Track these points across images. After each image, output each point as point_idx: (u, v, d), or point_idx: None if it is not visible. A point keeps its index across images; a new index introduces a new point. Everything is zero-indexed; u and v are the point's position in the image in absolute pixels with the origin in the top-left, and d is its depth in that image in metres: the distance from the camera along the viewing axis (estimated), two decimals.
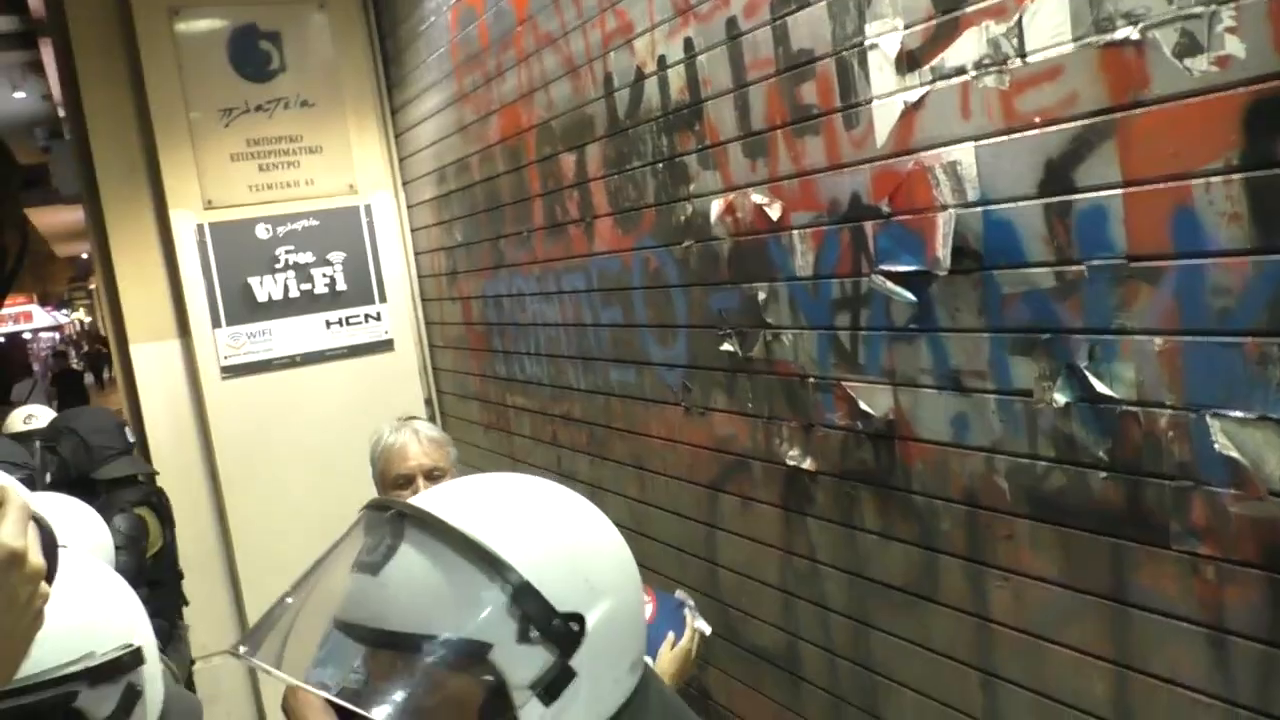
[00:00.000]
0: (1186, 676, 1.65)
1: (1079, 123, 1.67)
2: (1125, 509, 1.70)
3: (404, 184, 5.15)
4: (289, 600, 0.96)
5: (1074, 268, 1.72)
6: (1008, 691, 2.00)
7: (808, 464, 2.46)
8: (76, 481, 3.48)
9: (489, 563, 0.88)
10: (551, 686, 0.88)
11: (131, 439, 3.90)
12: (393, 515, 0.92)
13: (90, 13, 4.66)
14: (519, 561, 0.89)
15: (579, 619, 0.90)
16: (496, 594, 0.88)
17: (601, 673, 0.92)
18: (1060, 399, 1.77)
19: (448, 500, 0.95)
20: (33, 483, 3.39)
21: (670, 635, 1.97)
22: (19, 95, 12.36)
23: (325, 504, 3.97)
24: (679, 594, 2.07)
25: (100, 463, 3.60)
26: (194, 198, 4.71)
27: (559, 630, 0.89)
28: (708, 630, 2.03)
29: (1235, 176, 1.45)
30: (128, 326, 4.78)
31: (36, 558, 0.83)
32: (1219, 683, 1.60)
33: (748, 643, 2.84)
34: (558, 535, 0.94)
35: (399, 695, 0.87)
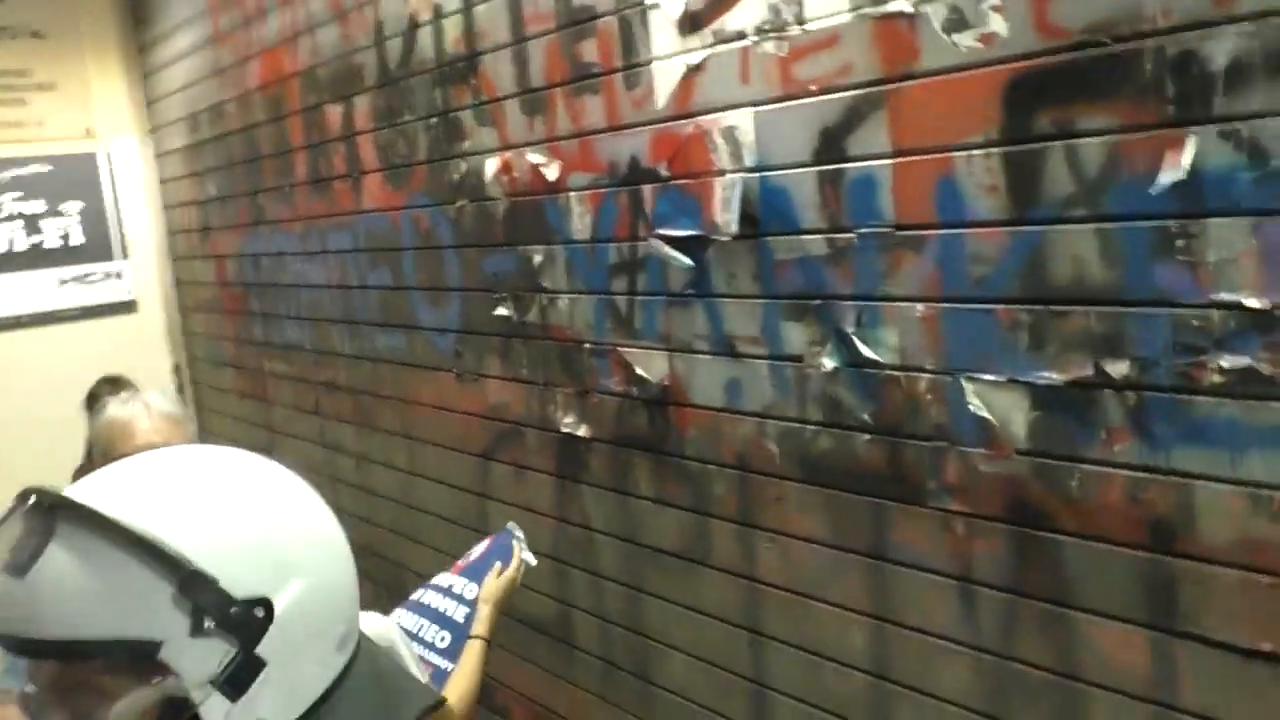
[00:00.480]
0: (937, 626, 1.74)
1: (853, 92, 1.70)
2: (886, 470, 1.77)
3: (152, 130, 4.74)
4: None
5: (845, 235, 1.76)
6: (774, 649, 2.05)
7: (582, 431, 2.43)
8: None
9: (149, 552, 0.78)
10: (235, 679, 0.80)
11: None
12: (38, 507, 0.81)
13: None
14: (186, 547, 0.79)
15: (265, 603, 0.81)
16: (161, 586, 0.78)
17: (298, 657, 0.84)
18: (829, 364, 1.82)
19: (108, 485, 0.84)
20: None
21: (497, 565, 1.96)
22: None
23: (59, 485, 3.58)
24: (510, 525, 2.08)
25: None
26: None
27: (239, 618, 0.80)
28: (533, 561, 2.04)
29: (995, 150, 1.52)
30: None
31: None
32: (967, 630, 1.69)
33: (520, 613, 2.79)
34: (236, 514, 0.84)
35: (66, 711, 0.78)
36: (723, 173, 1.95)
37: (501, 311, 2.62)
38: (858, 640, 1.88)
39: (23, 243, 4.43)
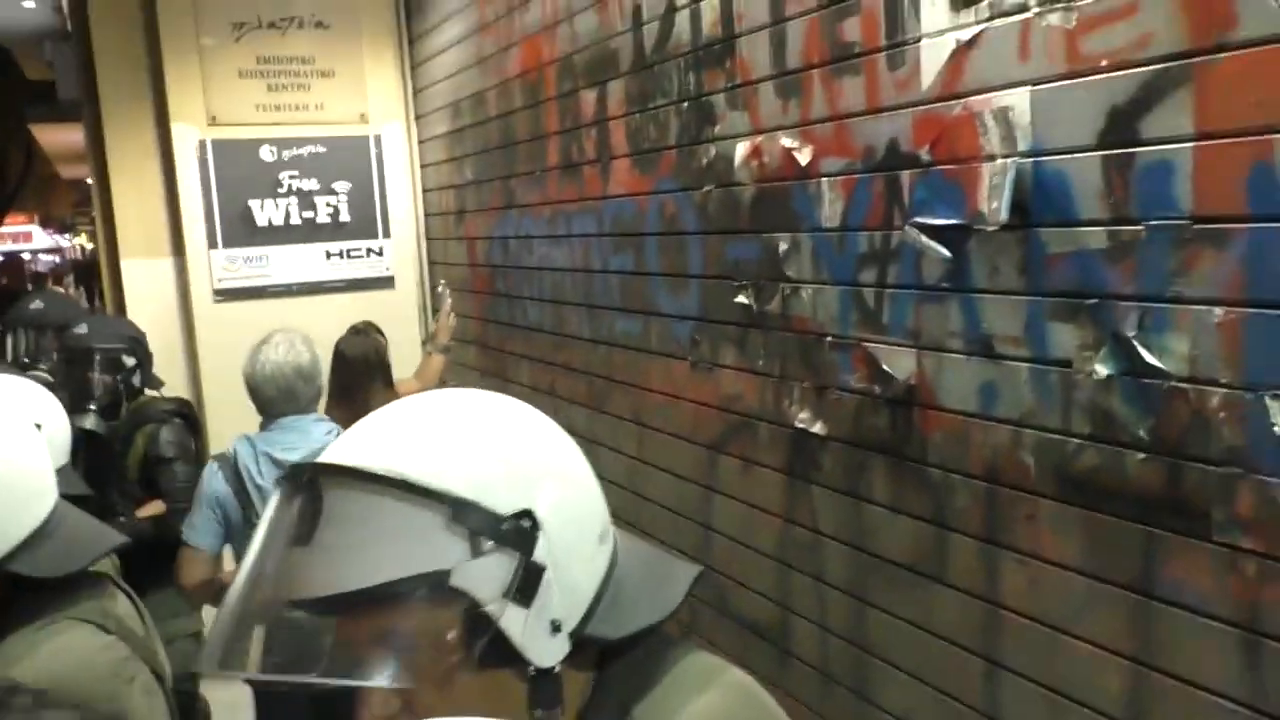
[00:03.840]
0: (1211, 679, 1.52)
1: (1151, 67, 1.52)
2: (1163, 494, 1.56)
3: (417, 117, 4.99)
4: (239, 600, 0.89)
5: (1130, 228, 1.57)
6: (1013, 683, 1.87)
7: (817, 428, 2.32)
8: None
9: (412, 491, 0.84)
10: (523, 588, 0.84)
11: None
12: (299, 480, 0.88)
13: None
14: (445, 481, 0.85)
15: (528, 514, 0.86)
16: (432, 519, 0.83)
17: (569, 556, 0.88)
18: (1102, 370, 1.63)
19: (357, 443, 0.90)
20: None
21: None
22: (28, 4, 12.13)
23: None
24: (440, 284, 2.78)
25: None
26: (198, 112, 4.56)
27: (511, 532, 0.85)
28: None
29: None
30: (120, 240, 4.64)
31: None
32: (1247, 689, 1.47)
33: (736, 612, 2.71)
34: (480, 441, 0.90)
35: (382, 654, 0.83)
36: (992, 158, 1.79)
37: (741, 300, 2.54)
38: (1113, 684, 1.68)
39: (297, 217, 4.76)
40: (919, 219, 1.96)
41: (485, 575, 0.83)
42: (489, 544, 0.84)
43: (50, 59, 12.54)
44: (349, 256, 4.85)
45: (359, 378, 3.32)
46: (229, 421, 4.61)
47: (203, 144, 4.56)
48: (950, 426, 1.95)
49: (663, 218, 2.89)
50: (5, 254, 26.35)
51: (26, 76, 16.30)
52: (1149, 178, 1.53)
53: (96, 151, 4.67)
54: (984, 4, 1.78)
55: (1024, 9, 1.71)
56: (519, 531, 0.85)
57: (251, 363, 2.83)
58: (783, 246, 2.37)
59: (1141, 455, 1.59)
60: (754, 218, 2.47)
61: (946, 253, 1.91)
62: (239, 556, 2.82)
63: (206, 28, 4.54)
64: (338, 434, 3.05)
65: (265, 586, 0.88)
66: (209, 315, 4.61)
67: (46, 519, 1.39)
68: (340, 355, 3.37)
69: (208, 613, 3.21)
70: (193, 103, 4.53)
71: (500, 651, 0.84)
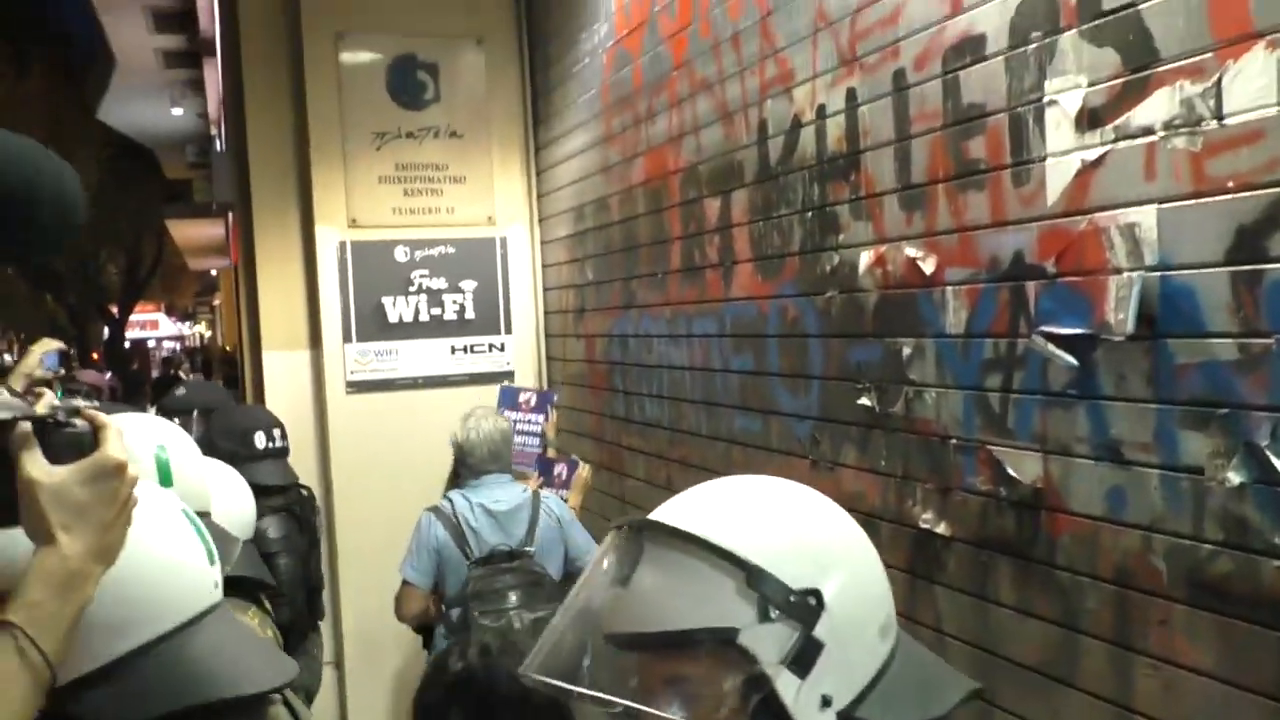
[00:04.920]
0: None
1: (1278, 189, 1.59)
2: None
3: (540, 220, 5.24)
4: (565, 621, 1.07)
5: (1261, 340, 1.63)
6: None
7: (941, 528, 2.38)
8: None
9: (718, 555, 0.96)
10: (801, 658, 0.94)
11: (274, 444, 3.60)
12: (628, 530, 1.04)
13: (262, 32, 4.90)
14: (747, 549, 0.97)
15: (816, 593, 0.96)
16: (731, 582, 0.96)
17: (849, 641, 0.97)
18: (1235, 478, 1.67)
19: (678, 508, 1.05)
20: None
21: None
22: (177, 112, 13.06)
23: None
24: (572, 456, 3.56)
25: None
26: (340, 215, 4.87)
27: (798, 605, 0.95)
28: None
29: None
30: (263, 333, 4.94)
31: (134, 469, 1.07)
32: None
33: None
34: (781, 521, 1.02)
35: (670, 691, 0.97)
36: (1118, 270, 1.87)
37: (864, 402, 2.63)
38: None
39: (425, 314, 5.01)
40: (1045, 328, 2.04)
41: (769, 640, 0.94)
42: (776, 612, 0.95)
43: (193, 161, 13.46)
44: (472, 351, 5.07)
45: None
46: (352, 510, 4.84)
47: (343, 245, 4.86)
48: (1079, 530, 2.00)
49: (784, 321, 3.00)
50: (133, 341, 27.75)
51: (166, 176, 17.43)
52: (1278, 293, 1.60)
53: (246, 249, 5.02)
54: (1109, 127, 1.88)
55: (1150, 132, 1.80)
56: (805, 606, 0.95)
57: (465, 430, 3.50)
58: (906, 351, 2.46)
59: (1277, 563, 1.62)
60: (877, 322, 2.57)
61: (1073, 360, 1.98)
62: (451, 589, 3.40)
63: (351, 138, 4.88)
64: (529, 491, 3.46)
65: (586, 614, 1.04)
66: (341, 406, 4.85)
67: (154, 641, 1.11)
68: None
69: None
70: (335, 206, 4.86)
71: (772, 712, 0.94)
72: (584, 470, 4.15)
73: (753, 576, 0.95)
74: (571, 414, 4.96)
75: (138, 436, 1.61)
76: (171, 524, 1.19)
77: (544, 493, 3.63)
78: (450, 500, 3.48)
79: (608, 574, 1.03)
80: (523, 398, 4.61)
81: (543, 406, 4.57)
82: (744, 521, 1.00)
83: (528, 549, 3.37)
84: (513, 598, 3.28)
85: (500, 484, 3.48)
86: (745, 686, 0.94)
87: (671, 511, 1.04)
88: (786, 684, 0.94)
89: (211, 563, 1.19)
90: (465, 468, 3.52)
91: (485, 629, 3.17)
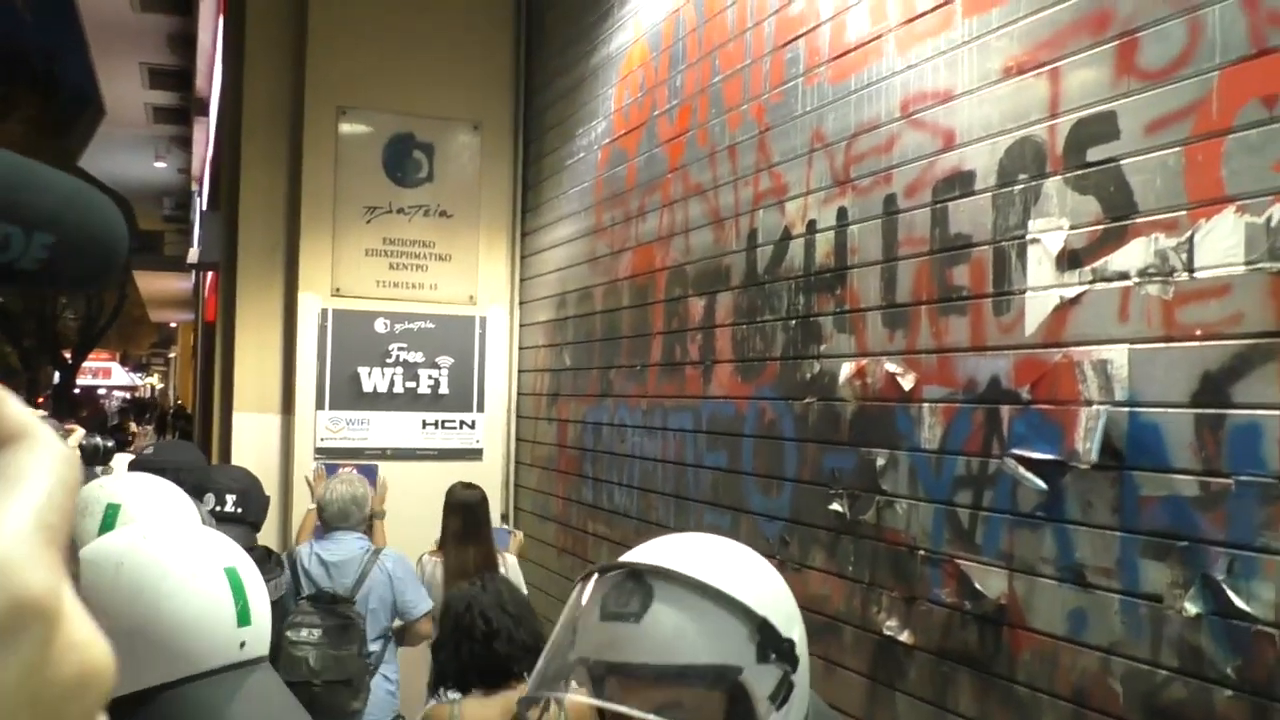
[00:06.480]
0: None
1: (1243, 341, 1.72)
2: None
3: (520, 303, 5.34)
4: (558, 653, 1.17)
5: (1221, 480, 1.74)
6: None
7: (905, 637, 2.45)
8: None
9: (733, 605, 1.10)
10: (780, 696, 1.11)
11: (223, 508, 3.66)
12: (635, 573, 1.13)
13: (265, 99, 5.03)
14: (753, 603, 1.11)
15: (792, 642, 1.13)
16: (741, 629, 1.10)
17: (803, 680, 1.15)
18: (1191, 609, 1.77)
19: (678, 555, 1.15)
20: None
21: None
22: (159, 165, 13.16)
23: None
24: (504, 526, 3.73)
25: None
26: (324, 283, 4.94)
27: (788, 651, 1.12)
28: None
29: None
30: (236, 394, 4.95)
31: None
32: None
33: None
34: (766, 578, 1.18)
35: (664, 714, 1.08)
36: (1089, 403, 1.99)
37: (835, 507, 2.71)
38: None
39: (400, 386, 5.06)
40: (1017, 451, 2.14)
41: (763, 680, 1.11)
42: (773, 655, 1.11)
43: (168, 214, 13.51)
44: (443, 427, 5.12)
45: (482, 518, 4.05)
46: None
47: (324, 312, 4.93)
48: (1040, 647, 2.08)
49: (761, 422, 3.10)
50: (83, 388, 27.29)
51: (139, 227, 17.42)
52: (1239, 437, 1.71)
53: (225, 309, 5.05)
54: (1087, 268, 2.02)
55: (1125, 277, 1.94)
56: (792, 652, 1.13)
57: (326, 490, 3.87)
58: (880, 461, 2.56)
59: (1229, 693, 1.71)
60: (853, 432, 2.67)
61: (1042, 484, 2.08)
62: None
63: (342, 208, 4.98)
64: (369, 547, 3.57)
65: (579, 646, 1.14)
66: (308, 470, 4.85)
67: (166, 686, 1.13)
68: (465, 503, 4.04)
69: None
70: (320, 274, 4.93)
71: None
72: (515, 539, 4.51)
73: (760, 626, 1.10)
74: (537, 497, 5.00)
75: (208, 556, 1.33)
76: (204, 578, 1.20)
77: (387, 550, 3.86)
78: (299, 550, 3.84)
79: (604, 609, 1.12)
80: None
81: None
82: (744, 576, 1.15)
83: (349, 598, 3.69)
84: (316, 634, 3.56)
85: (344, 539, 3.77)
86: (733, 713, 1.10)
87: (661, 557, 1.14)
88: (770, 716, 1.10)
89: (242, 624, 1.20)
90: (321, 522, 3.90)
91: (291, 655, 3.48)
